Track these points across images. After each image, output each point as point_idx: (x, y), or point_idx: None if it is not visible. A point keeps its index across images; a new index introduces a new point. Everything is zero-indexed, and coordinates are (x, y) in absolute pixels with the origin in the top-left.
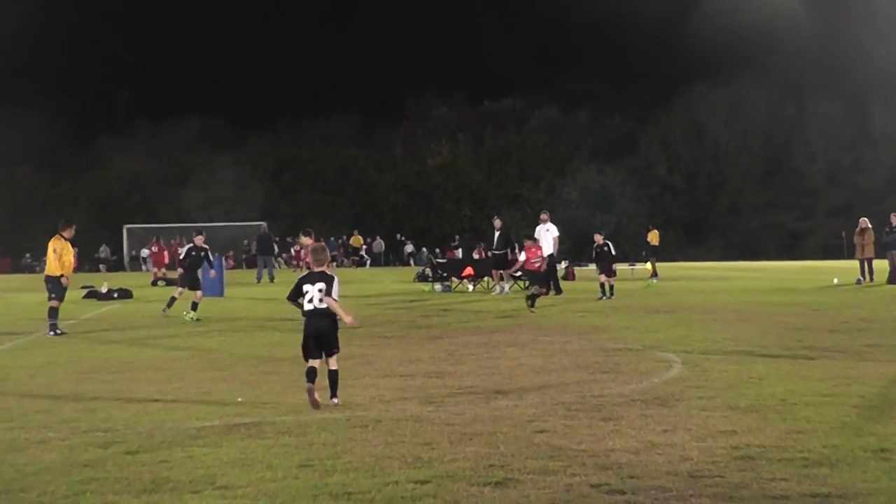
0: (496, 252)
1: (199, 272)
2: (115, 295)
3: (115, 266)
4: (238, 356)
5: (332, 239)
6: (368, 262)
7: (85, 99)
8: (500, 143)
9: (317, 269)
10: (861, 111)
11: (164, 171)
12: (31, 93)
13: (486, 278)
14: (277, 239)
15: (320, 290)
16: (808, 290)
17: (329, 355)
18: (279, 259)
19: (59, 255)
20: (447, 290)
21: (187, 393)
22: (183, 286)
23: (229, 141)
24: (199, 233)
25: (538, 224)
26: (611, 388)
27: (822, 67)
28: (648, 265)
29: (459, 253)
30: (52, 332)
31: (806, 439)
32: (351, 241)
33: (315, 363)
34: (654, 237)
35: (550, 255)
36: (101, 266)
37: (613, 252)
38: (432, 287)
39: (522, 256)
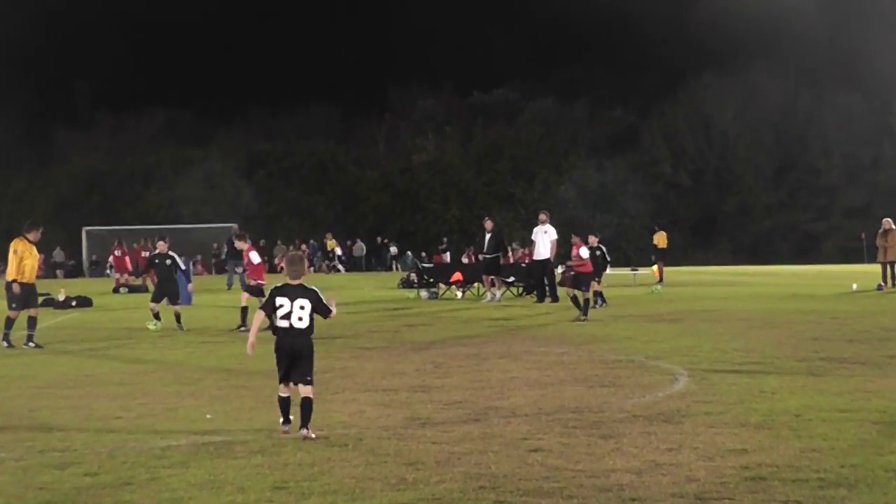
0: (487, 256)
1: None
2: (74, 303)
3: (74, 272)
4: (207, 369)
5: (313, 242)
6: (342, 269)
7: (40, 90)
8: (491, 137)
9: (294, 282)
10: (882, 103)
11: (127, 169)
12: None
13: (476, 284)
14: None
15: (302, 308)
16: (824, 296)
17: (303, 384)
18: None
19: (20, 257)
20: (434, 297)
21: (152, 409)
22: (157, 300)
23: (197, 135)
24: (163, 238)
25: (536, 225)
26: (611, 403)
27: (840, 55)
28: (654, 269)
29: (447, 257)
30: (4, 343)
31: (822, 458)
32: (326, 244)
33: (288, 391)
34: (660, 239)
35: (547, 260)
36: (57, 271)
37: (608, 257)
38: (418, 294)
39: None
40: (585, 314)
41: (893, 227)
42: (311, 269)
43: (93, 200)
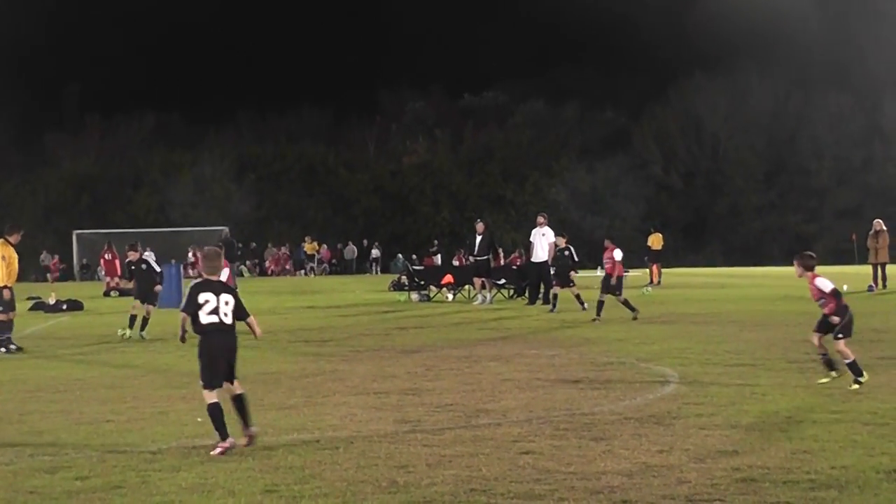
0: (478, 258)
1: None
2: (64, 307)
3: (65, 275)
4: (197, 373)
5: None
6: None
7: (30, 93)
8: (482, 140)
9: (213, 278)
10: (872, 104)
11: (117, 172)
12: None
13: (467, 287)
14: (241, 245)
15: (227, 304)
16: None
17: (235, 378)
18: (243, 266)
19: (8, 262)
20: (425, 299)
21: (142, 413)
22: (138, 298)
23: (187, 138)
24: (133, 247)
25: (528, 227)
26: (602, 405)
27: (830, 57)
28: (647, 271)
29: (438, 259)
30: (3, 349)
31: (813, 460)
32: (305, 248)
33: (217, 397)
34: (655, 241)
35: (545, 262)
36: (48, 275)
37: (576, 258)
38: (409, 296)
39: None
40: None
41: (884, 228)
42: (304, 272)
43: (83, 204)
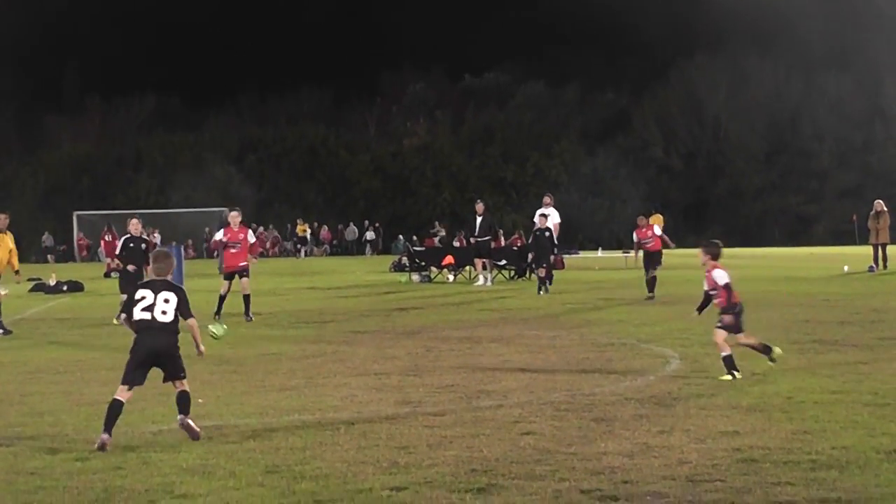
0: (478, 239)
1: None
2: (65, 288)
3: (65, 256)
4: (195, 356)
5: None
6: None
7: (30, 75)
8: (483, 121)
9: (158, 278)
10: (873, 85)
11: (117, 154)
12: None
13: (467, 268)
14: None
15: (166, 301)
16: (816, 278)
17: (176, 378)
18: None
19: None
20: (426, 280)
21: (143, 394)
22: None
23: (188, 120)
24: (135, 217)
25: (530, 208)
26: (603, 386)
27: (831, 38)
28: None
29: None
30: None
31: (814, 440)
32: (297, 230)
33: (127, 395)
34: (656, 222)
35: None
36: (48, 256)
37: (556, 241)
38: (409, 277)
39: (636, 237)
40: (651, 292)
41: (885, 209)
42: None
43: (83, 185)
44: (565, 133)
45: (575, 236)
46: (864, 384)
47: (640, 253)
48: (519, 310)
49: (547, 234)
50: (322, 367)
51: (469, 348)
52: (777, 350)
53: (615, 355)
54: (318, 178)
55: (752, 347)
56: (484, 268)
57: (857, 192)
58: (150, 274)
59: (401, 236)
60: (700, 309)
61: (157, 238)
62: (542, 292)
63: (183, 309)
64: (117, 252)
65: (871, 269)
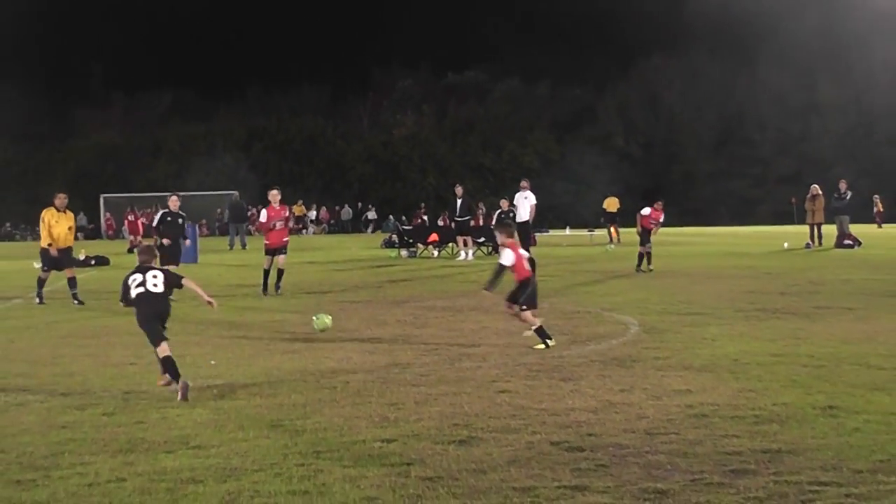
0: (458, 220)
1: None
2: (93, 262)
3: (94, 234)
4: (210, 321)
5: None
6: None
7: (61, 72)
8: (463, 114)
9: (145, 265)
10: (809, 82)
11: (138, 143)
12: (7, 66)
13: (450, 245)
14: (249, 207)
15: (155, 277)
16: (759, 254)
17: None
18: (251, 226)
19: (48, 225)
20: (413, 255)
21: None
22: (167, 263)
23: (201, 112)
24: (175, 195)
25: (507, 191)
26: (570, 349)
27: (773, 39)
28: (613, 230)
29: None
30: (38, 299)
31: (757, 397)
32: (294, 210)
33: (168, 349)
34: (611, 204)
35: (526, 222)
36: (78, 234)
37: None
38: (398, 253)
39: (646, 211)
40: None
41: (820, 192)
42: (305, 230)
43: (108, 171)
44: (537, 124)
45: (545, 217)
46: (802, 348)
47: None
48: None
49: (511, 215)
50: (321, 333)
51: (451, 316)
52: (552, 342)
53: (581, 322)
54: (317, 165)
55: (531, 325)
56: (465, 244)
57: (795, 177)
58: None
59: (391, 216)
60: (489, 286)
61: (178, 202)
62: None
63: (172, 281)
64: (155, 224)
65: (807, 246)
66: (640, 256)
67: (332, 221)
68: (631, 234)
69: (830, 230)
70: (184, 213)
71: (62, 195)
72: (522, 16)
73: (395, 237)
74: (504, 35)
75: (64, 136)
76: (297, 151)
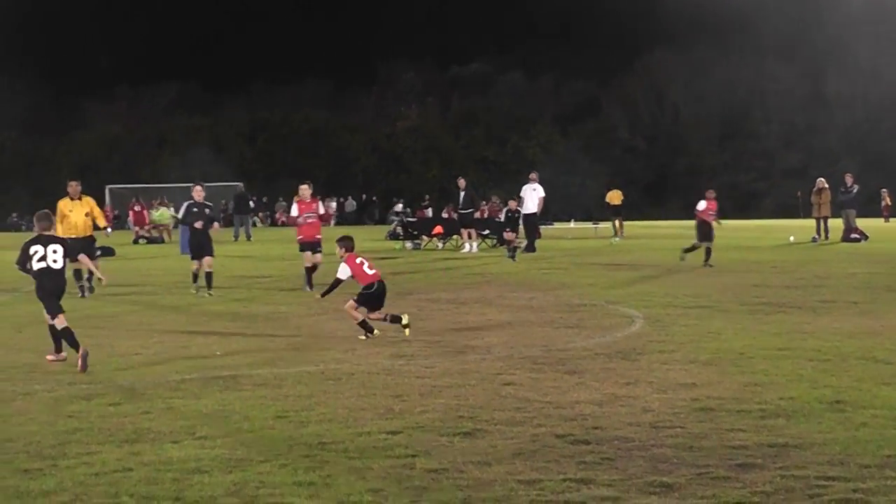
0: (461, 212)
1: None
2: (98, 252)
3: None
4: (215, 313)
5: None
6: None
7: (67, 64)
8: (467, 106)
9: (44, 234)
10: (815, 74)
11: (143, 134)
12: (14, 57)
13: (454, 237)
14: (254, 198)
15: (55, 252)
16: (765, 248)
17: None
18: (256, 218)
19: (62, 214)
20: (417, 247)
21: (167, 347)
22: (198, 256)
23: (206, 105)
24: (198, 184)
25: (525, 183)
26: (575, 342)
27: (779, 32)
28: (611, 225)
29: (429, 212)
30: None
31: (763, 391)
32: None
33: (64, 321)
34: (614, 197)
35: (533, 214)
36: (108, 228)
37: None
38: (403, 245)
39: (702, 206)
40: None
41: (826, 186)
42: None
43: (114, 162)
44: (541, 117)
45: (550, 209)
46: (808, 342)
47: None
48: (500, 274)
49: (516, 215)
50: (325, 324)
51: (456, 308)
52: (405, 318)
53: (586, 315)
54: (321, 156)
55: (383, 320)
56: (469, 237)
57: (801, 170)
58: (36, 231)
59: (399, 205)
60: (324, 293)
61: (203, 192)
62: (513, 257)
63: (69, 254)
64: (180, 216)
65: (814, 240)
66: (708, 252)
67: (336, 214)
68: (634, 227)
69: (837, 224)
70: (210, 203)
71: (73, 182)
72: (526, 8)
73: (399, 229)
74: (508, 28)
75: (69, 128)
76: (301, 143)
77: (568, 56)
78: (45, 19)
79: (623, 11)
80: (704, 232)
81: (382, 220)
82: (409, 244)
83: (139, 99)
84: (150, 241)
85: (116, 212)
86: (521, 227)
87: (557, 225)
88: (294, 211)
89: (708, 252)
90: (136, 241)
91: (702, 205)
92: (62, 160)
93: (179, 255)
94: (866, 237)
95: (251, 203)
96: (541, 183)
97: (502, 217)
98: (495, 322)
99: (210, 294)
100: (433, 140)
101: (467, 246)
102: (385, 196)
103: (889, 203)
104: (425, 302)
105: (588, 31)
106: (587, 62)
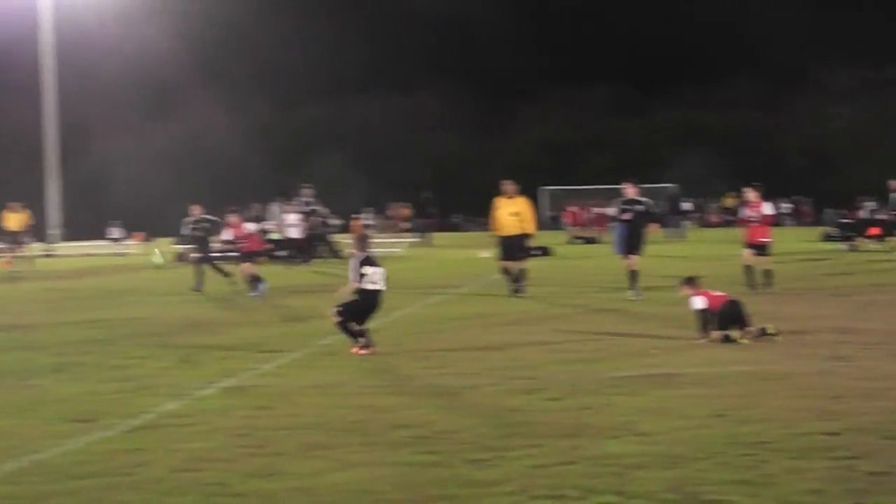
0: (893, 214)
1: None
2: (539, 252)
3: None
4: (647, 314)
5: None
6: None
7: (503, 70)
8: None
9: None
10: None
11: (577, 137)
12: (457, 65)
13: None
14: (688, 201)
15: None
16: None
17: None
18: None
19: (494, 211)
20: (852, 249)
21: (606, 345)
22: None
23: (637, 107)
24: (628, 182)
25: None
26: None
27: None
28: None
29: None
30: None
31: None
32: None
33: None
34: None
35: None
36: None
37: None
38: (837, 247)
39: None
40: None
41: None
42: None
43: (546, 163)
44: None
45: None
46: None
47: None
48: None
49: None
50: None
51: (894, 310)
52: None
53: None
54: (752, 158)
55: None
56: None
57: None
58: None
59: (831, 210)
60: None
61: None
62: None
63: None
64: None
65: None
66: None
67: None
68: None
69: None
70: (648, 200)
71: (507, 182)
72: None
73: (834, 231)
74: None
75: (506, 130)
76: (733, 145)
77: None
78: (481, 31)
79: None
80: None
81: (816, 223)
82: (843, 245)
83: (572, 101)
84: (587, 241)
85: (550, 212)
86: None
87: None
88: (748, 213)
89: None
90: (572, 241)
91: None
92: (498, 160)
93: (611, 255)
94: None
95: (683, 205)
96: None
97: None
98: None
99: (636, 296)
100: (866, 141)
101: None
102: (819, 198)
103: None
104: (861, 303)
105: None
106: None
